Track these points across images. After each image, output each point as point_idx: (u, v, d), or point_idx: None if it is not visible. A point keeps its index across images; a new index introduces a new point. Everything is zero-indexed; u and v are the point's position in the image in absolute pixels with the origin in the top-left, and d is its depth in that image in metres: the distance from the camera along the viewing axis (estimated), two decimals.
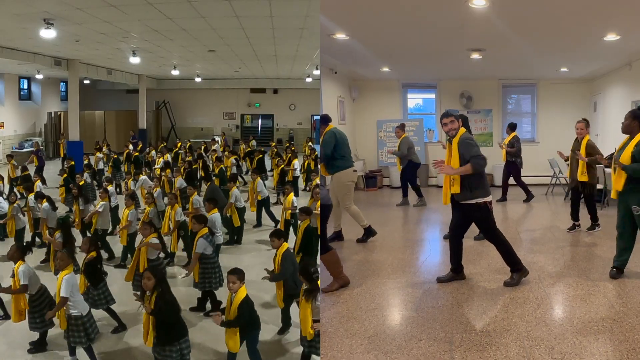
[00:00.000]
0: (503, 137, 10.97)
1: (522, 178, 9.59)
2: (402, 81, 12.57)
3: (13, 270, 4.41)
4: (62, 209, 9.22)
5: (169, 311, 3.66)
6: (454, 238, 4.73)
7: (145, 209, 7.13)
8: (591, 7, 5.83)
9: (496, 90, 12.44)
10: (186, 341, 3.76)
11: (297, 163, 11.41)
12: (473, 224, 4.75)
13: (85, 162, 12.01)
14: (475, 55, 8.73)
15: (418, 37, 7.58)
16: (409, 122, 11.88)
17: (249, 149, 15.04)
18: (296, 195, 9.02)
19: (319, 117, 6.36)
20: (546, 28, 6.81)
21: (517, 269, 4.64)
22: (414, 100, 13.23)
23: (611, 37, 7.16)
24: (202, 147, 14.96)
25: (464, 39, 7.62)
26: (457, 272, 4.76)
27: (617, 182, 4.68)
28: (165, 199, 8.60)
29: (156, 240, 5.23)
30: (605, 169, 8.22)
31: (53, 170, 13.91)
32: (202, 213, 6.15)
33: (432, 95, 12.88)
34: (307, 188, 11.36)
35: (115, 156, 12.78)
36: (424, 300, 4.33)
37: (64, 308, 4.01)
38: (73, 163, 11.06)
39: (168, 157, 12.52)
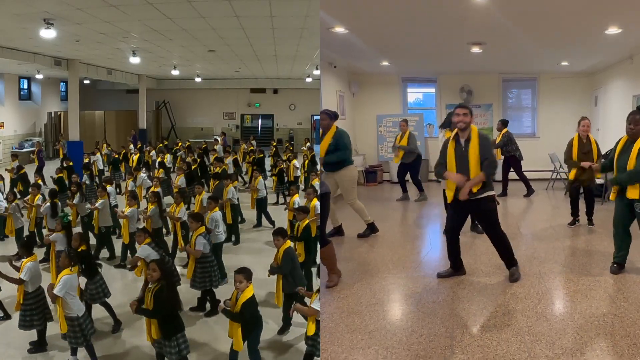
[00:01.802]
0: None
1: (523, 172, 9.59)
2: (402, 75, 12.54)
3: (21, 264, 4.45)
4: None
5: (165, 307, 3.70)
6: (453, 239, 4.68)
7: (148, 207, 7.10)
8: (592, 0, 5.81)
9: (496, 85, 12.40)
10: (183, 336, 3.81)
11: (297, 163, 11.40)
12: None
13: (86, 160, 12.03)
14: (476, 49, 8.70)
15: (418, 31, 7.57)
16: (409, 117, 11.85)
17: (251, 147, 15.05)
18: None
19: (319, 117, 6.33)
20: (547, 21, 6.79)
21: (514, 263, 4.65)
22: (414, 95, 13.20)
23: (612, 30, 7.12)
24: (203, 147, 14.97)
25: (464, 33, 7.59)
26: (456, 268, 4.75)
27: (631, 192, 4.53)
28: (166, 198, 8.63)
29: (148, 248, 5.13)
30: None
31: (53, 170, 13.93)
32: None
33: (432, 90, 12.84)
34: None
35: (116, 156, 12.80)
36: (424, 296, 4.33)
37: (62, 310, 4.04)
38: (72, 164, 11.07)
39: (167, 157, 12.51)
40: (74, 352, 4.23)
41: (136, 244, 5.42)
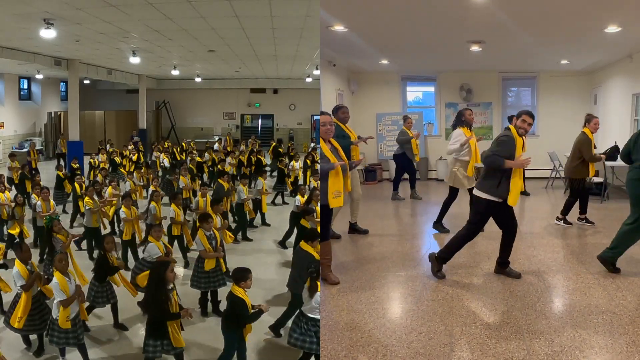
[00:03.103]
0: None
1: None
2: (402, 74, 12.55)
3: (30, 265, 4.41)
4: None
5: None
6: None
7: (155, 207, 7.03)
8: None
9: (496, 83, 12.40)
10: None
11: (297, 164, 11.42)
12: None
13: (97, 162, 12.03)
14: (475, 48, 8.71)
15: (418, 29, 7.58)
16: (409, 115, 11.87)
17: (250, 147, 15.07)
18: (293, 195, 8.99)
19: (318, 117, 6.42)
20: (546, 20, 6.80)
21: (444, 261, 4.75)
22: (414, 93, 13.22)
23: (612, 28, 7.13)
24: (206, 146, 15.00)
25: (463, 31, 7.60)
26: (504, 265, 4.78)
27: None
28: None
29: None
30: (606, 163, 8.23)
31: (53, 170, 13.93)
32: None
33: (432, 89, 12.86)
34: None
35: (117, 157, 12.81)
36: (424, 294, 4.35)
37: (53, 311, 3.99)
38: (78, 166, 11.10)
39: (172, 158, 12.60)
40: (62, 353, 4.16)
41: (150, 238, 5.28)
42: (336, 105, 6.49)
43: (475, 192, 4.65)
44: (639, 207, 4.68)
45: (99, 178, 8.98)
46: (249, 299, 3.84)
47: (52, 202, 7.21)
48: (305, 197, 7.27)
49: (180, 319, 3.78)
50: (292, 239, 7.19)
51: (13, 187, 9.68)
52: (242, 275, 3.88)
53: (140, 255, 5.55)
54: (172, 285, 3.82)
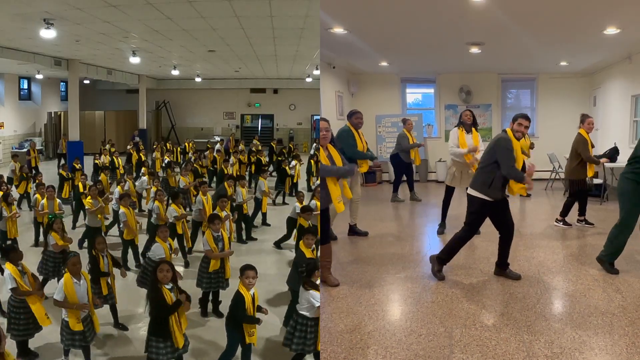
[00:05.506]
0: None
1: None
2: (401, 76, 12.55)
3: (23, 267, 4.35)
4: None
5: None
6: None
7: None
8: (591, 0, 5.83)
9: (495, 85, 12.40)
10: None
11: (292, 164, 11.43)
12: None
13: (101, 164, 12.06)
14: (475, 49, 8.72)
15: (417, 31, 7.60)
16: (408, 117, 11.88)
17: (255, 147, 15.08)
18: (292, 195, 8.98)
19: (319, 117, 6.43)
20: (546, 21, 6.81)
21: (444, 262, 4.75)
22: (413, 95, 13.22)
23: (611, 30, 7.15)
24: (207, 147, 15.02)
25: (463, 32, 7.62)
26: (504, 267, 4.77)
27: None
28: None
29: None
30: (606, 164, 8.24)
31: (53, 170, 13.92)
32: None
33: (431, 90, 12.86)
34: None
35: (116, 158, 12.81)
36: (423, 295, 4.35)
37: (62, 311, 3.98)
38: (80, 166, 11.11)
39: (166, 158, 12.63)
40: (66, 354, 4.14)
41: (157, 238, 5.27)
42: (351, 110, 6.50)
43: (469, 190, 4.66)
44: (624, 206, 4.69)
45: (101, 178, 9.02)
46: (249, 297, 3.82)
47: (57, 200, 7.20)
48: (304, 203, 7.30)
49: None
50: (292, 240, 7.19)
51: (13, 187, 9.69)
52: (241, 272, 3.89)
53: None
54: (171, 285, 3.76)
